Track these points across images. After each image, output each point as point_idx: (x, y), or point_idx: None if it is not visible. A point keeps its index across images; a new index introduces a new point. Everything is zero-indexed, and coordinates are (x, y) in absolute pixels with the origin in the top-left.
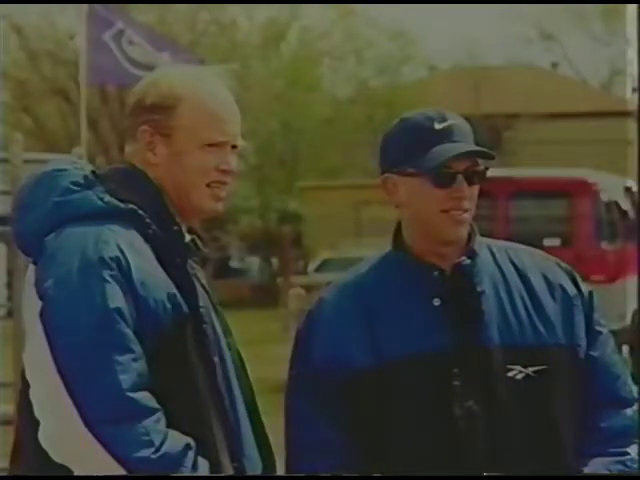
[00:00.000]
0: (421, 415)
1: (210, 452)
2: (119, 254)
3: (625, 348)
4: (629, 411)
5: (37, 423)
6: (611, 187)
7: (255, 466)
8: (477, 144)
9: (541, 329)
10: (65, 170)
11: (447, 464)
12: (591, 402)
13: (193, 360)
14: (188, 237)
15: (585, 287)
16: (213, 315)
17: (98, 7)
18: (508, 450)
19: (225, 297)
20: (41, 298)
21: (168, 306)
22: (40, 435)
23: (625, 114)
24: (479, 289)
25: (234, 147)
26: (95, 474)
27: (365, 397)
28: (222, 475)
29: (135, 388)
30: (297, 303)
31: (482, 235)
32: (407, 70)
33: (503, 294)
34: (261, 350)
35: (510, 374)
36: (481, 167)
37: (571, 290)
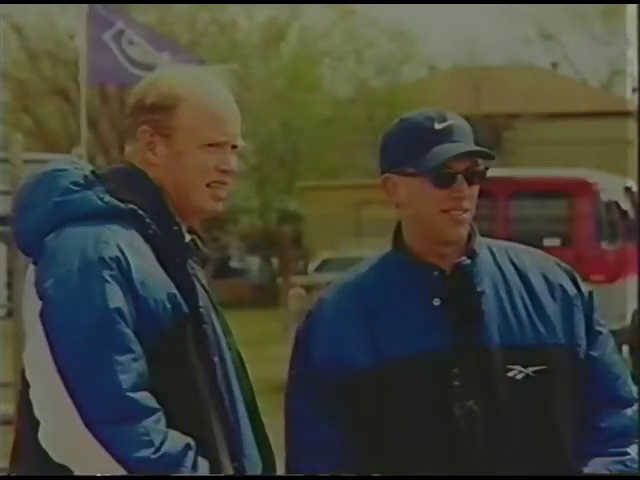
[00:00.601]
0: (421, 415)
1: (210, 452)
2: (119, 254)
3: (625, 348)
4: (629, 411)
5: (37, 423)
6: (611, 187)
7: (255, 466)
8: (477, 144)
9: (541, 329)
10: (65, 170)
11: (447, 464)
12: (591, 402)
13: (193, 360)
14: (188, 237)
15: (585, 287)
16: (213, 315)
17: (98, 7)
18: (508, 450)
19: (225, 297)
20: (41, 298)
21: (168, 306)
22: (40, 435)
23: (625, 114)
24: (479, 289)
25: (234, 147)
26: (95, 474)
27: (365, 397)
28: (222, 475)
29: (135, 388)
30: (297, 303)
31: (482, 235)
32: (407, 70)
33: (503, 294)
34: (261, 350)
35: (510, 374)
36: (481, 167)
37: (571, 290)
